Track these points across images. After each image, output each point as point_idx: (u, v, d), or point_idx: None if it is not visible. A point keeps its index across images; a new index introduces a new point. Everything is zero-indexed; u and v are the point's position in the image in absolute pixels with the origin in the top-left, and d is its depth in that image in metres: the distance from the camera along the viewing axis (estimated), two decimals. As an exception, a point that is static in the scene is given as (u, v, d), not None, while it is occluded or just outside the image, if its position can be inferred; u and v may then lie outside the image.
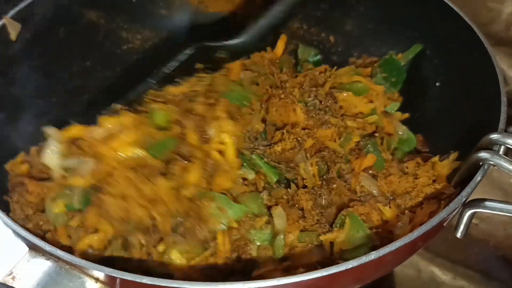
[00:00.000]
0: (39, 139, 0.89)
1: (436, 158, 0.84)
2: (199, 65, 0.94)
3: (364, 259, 0.58)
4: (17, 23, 0.92)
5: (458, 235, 0.72)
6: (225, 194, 0.79)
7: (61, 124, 0.93)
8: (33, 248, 0.64)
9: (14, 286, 0.60)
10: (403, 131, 0.94)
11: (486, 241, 1.01)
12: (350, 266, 0.58)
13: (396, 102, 0.99)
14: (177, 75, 0.91)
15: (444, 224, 0.70)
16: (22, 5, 0.94)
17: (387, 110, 0.97)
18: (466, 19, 0.88)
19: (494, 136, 0.70)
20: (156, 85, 0.90)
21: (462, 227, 0.71)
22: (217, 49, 0.91)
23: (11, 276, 0.61)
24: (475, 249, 1.00)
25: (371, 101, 0.96)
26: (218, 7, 1.09)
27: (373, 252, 0.59)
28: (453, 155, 0.82)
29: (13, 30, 0.92)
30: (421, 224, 0.63)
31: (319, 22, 1.10)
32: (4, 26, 0.91)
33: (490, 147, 0.70)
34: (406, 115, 0.97)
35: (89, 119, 0.95)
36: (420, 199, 0.80)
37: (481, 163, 0.69)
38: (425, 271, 0.98)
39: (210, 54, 0.91)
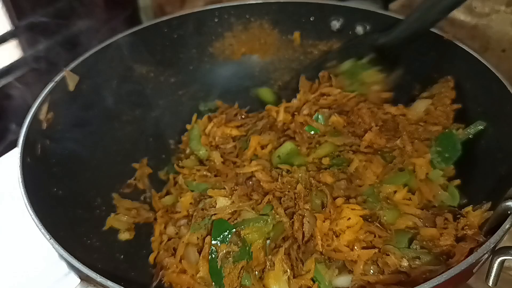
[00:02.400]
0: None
1: (469, 208, 0.85)
2: None
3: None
4: (76, 75, 1.01)
5: (490, 283, 0.73)
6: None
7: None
8: (85, 279, 0.68)
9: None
10: (445, 196, 0.92)
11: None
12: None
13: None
14: None
15: (474, 271, 0.72)
16: (81, 59, 1.03)
17: (429, 177, 0.95)
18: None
19: (522, 186, 0.72)
20: None
21: (493, 275, 0.72)
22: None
23: (65, 305, 0.66)
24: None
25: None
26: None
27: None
28: (486, 205, 0.83)
29: (72, 82, 1.00)
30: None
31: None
32: (64, 77, 0.99)
33: (519, 197, 0.72)
34: (458, 181, 0.94)
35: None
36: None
37: (509, 212, 0.71)
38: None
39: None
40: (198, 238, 0.85)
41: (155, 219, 0.98)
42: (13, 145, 0.96)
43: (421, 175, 0.93)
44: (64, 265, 0.72)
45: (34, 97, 0.95)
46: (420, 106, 1.02)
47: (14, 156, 0.85)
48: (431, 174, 0.94)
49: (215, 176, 0.98)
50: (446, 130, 0.98)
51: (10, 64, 1.48)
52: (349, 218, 0.83)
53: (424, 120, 1.00)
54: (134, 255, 0.93)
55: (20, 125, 0.90)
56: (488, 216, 0.81)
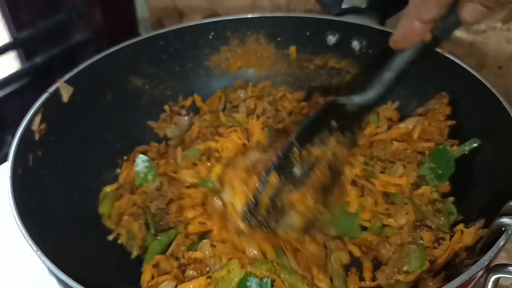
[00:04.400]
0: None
1: (461, 226, 0.84)
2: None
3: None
4: (70, 87, 1.00)
5: (484, 302, 0.73)
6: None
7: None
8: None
9: None
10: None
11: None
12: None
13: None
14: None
15: (468, 289, 0.71)
16: (75, 70, 1.02)
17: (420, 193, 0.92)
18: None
19: (517, 202, 0.72)
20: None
21: (487, 293, 0.72)
22: (346, 105, 0.86)
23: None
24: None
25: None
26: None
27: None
28: (479, 223, 0.82)
29: (66, 93, 1.00)
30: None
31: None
32: (58, 88, 0.99)
33: (513, 213, 0.72)
34: (452, 198, 0.92)
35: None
36: None
37: (503, 229, 0.70)
38: None
39: (341, 111, 0.86)
40: None
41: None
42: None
43: (407, 192, 0.92)
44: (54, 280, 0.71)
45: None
46: (409, 122, 1.01)
47: (7, 168, 0.85)
48: (422, 189, 0.93)
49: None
50: (440, 146, 0.96)
51: (9, 75, 1.48)
52: None
53: (417, 136, 0.99)
54: (127, 270, 0.91)
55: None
56: (482, 233, 0.81)
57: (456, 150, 0.95)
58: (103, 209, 0.98)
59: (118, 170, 1.06)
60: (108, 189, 1.01)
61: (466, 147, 0.95)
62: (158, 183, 0.98)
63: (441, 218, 0.87)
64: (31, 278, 0.95)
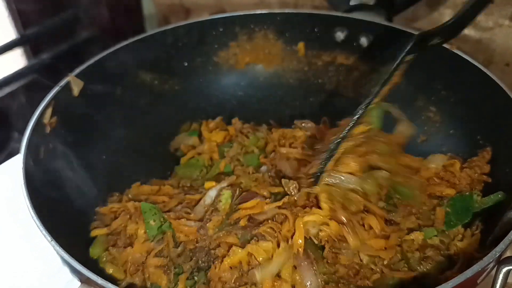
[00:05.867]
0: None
1: (461, 230, 0.85)
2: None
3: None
4: (80, 81, 1.01)
5: (495, 295, 0.73)
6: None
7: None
8: (85, 282, 0.68)
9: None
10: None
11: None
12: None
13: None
14: None
15: (478, 281, 0.71)
16: (86, 64, 1.03)
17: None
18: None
19: (526, 197, 0.72)
20: None
21: (498, 286, 0.72)
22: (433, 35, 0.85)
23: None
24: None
25: None
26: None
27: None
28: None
29: (76, 87, 1.01)
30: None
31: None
32: (68, 82, 0.99)
33: (524, 207, 0.72)
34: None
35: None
36: None
37: (514, 221, 0.71)
38: None
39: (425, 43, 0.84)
40: None
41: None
42: (16, 152, 0.96)
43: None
44: (60, 277, 0.71)
45: (38, 105, 0.95)
46: (437, 160, 0.94)
47: (15, 162, 0.85)
48: (413, 235, 0.84)
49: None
50: (467, 193, 0.88)
51: (15, 72, 1.48)
52: None
53: (441, 177, 0.92)
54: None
55: (22, 133, 0.89)
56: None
57: (479, 201, 0.87)
58: (95, 251, 0.87)
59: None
60: (97, 232, 0.90)
61: (490, 200, 0.85)
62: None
63: (429, 264, 0.80)
64: (31, 278, 0.95)
